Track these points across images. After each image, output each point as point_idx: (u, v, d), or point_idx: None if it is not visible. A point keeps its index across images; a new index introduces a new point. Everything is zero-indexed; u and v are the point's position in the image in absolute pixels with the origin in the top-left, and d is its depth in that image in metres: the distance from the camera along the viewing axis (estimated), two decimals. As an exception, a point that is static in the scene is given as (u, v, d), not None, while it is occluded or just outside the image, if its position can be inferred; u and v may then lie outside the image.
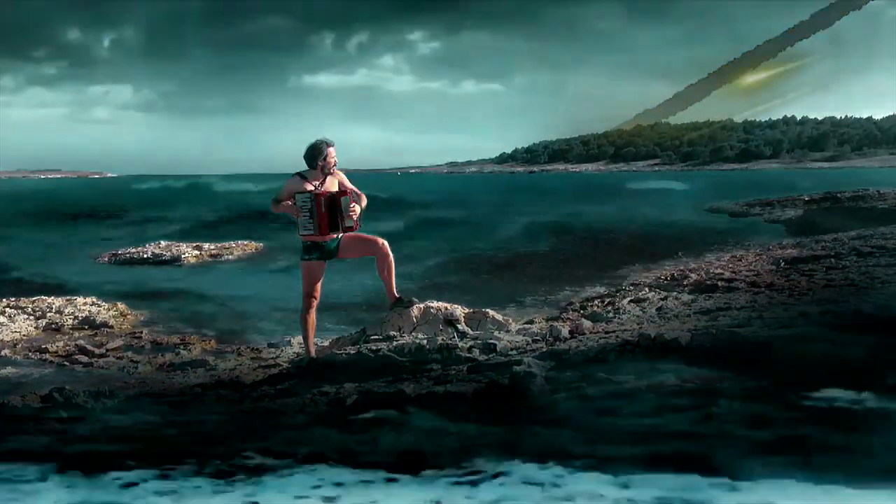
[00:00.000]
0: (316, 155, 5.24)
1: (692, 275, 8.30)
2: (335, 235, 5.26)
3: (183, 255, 13.29)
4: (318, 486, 2.60)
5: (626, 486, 2.49)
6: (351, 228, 5.25)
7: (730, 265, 8.89)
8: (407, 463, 2.72)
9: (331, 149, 5.26)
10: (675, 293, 6.90)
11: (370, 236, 5.38)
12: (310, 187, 5.19)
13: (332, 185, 5.26)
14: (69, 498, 2.54)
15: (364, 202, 5.34)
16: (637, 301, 6.66)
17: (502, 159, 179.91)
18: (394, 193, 35.26)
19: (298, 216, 5.18)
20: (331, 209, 5.19)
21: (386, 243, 5.33)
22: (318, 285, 5.32)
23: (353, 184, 5.39)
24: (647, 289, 7.51)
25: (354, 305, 8.19)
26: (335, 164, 5.29)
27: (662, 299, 6.60)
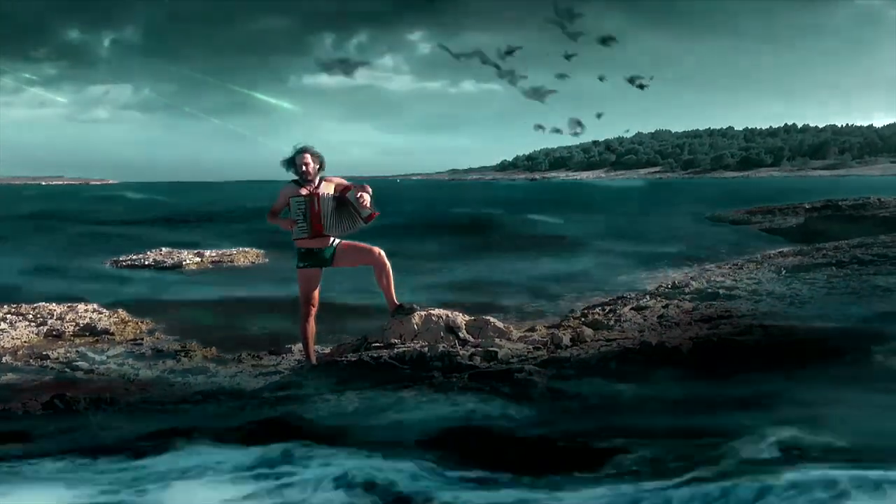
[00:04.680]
0: (289, 165, 5.20)
1: (693, 283, 8.29)
2: (331, 241, 5.24)
3: (184, 262, 13.29)
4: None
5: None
6: (371, 217, 5.16)
7: (731, 273, 8.87)
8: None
9: (304, 155, 5.14)
10: (676, 301, 6.89)
11: (366, 245, 5.30)
12: (304, 192, 5.18)
13: (327, 190, 5.22)
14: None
15: (370, 191, 5.15)
16: (638, 309, 6.65)
17: (503, 166, 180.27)
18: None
19: (293, 225, 5.16)
20: (339, 210, 5.16)
21: (382, 253, 5.24)
22: (316, 293, 5.30)
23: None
24: (648, 296, 7.49)
25: (355, 312, 8.17)
26: (310, 170, 5.14)
27: (664, 307, 6.59)
